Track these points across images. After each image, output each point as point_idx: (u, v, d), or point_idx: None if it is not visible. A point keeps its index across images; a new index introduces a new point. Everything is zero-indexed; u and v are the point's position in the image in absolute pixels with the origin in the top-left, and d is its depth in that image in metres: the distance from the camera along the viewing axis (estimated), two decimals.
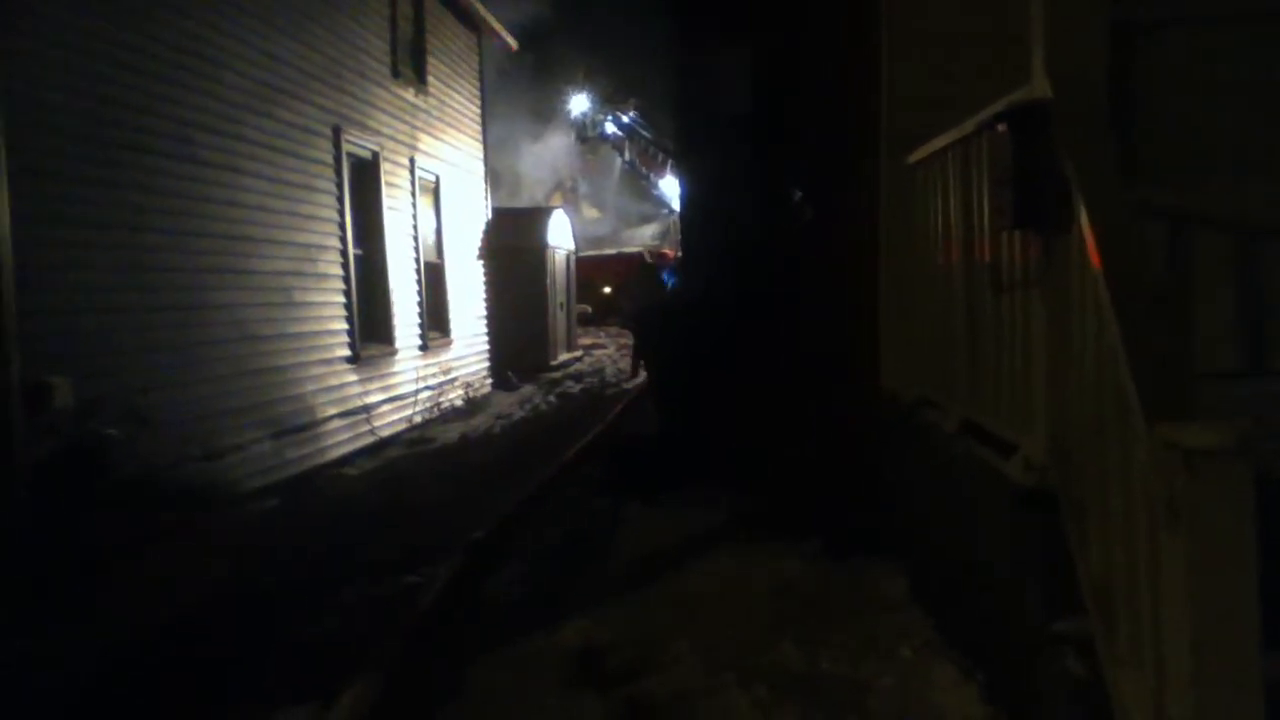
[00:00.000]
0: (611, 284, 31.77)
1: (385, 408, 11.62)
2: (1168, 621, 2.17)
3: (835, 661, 4.29)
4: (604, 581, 5.73)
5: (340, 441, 10.37)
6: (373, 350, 11.48)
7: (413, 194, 13.17)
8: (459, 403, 13.99)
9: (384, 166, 12.09)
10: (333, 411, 10.26)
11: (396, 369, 12.16)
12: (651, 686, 4.22)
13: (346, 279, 10.77)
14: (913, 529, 4.97)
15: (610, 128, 45.89)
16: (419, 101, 13.71)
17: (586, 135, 46.80)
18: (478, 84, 16.89)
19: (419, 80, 13.82)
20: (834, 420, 6.36)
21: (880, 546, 5.30)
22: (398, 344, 12.23)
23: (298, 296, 9.63)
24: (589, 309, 28.71)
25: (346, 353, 10.75)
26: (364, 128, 11.64)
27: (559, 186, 46.10)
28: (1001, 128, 3.06)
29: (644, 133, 44.56)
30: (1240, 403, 3.43)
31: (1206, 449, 1.97)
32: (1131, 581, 2.41)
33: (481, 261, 16.62)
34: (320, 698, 4.27)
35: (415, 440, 11.58)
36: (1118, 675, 2.49)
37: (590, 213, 45.52)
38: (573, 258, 22.06)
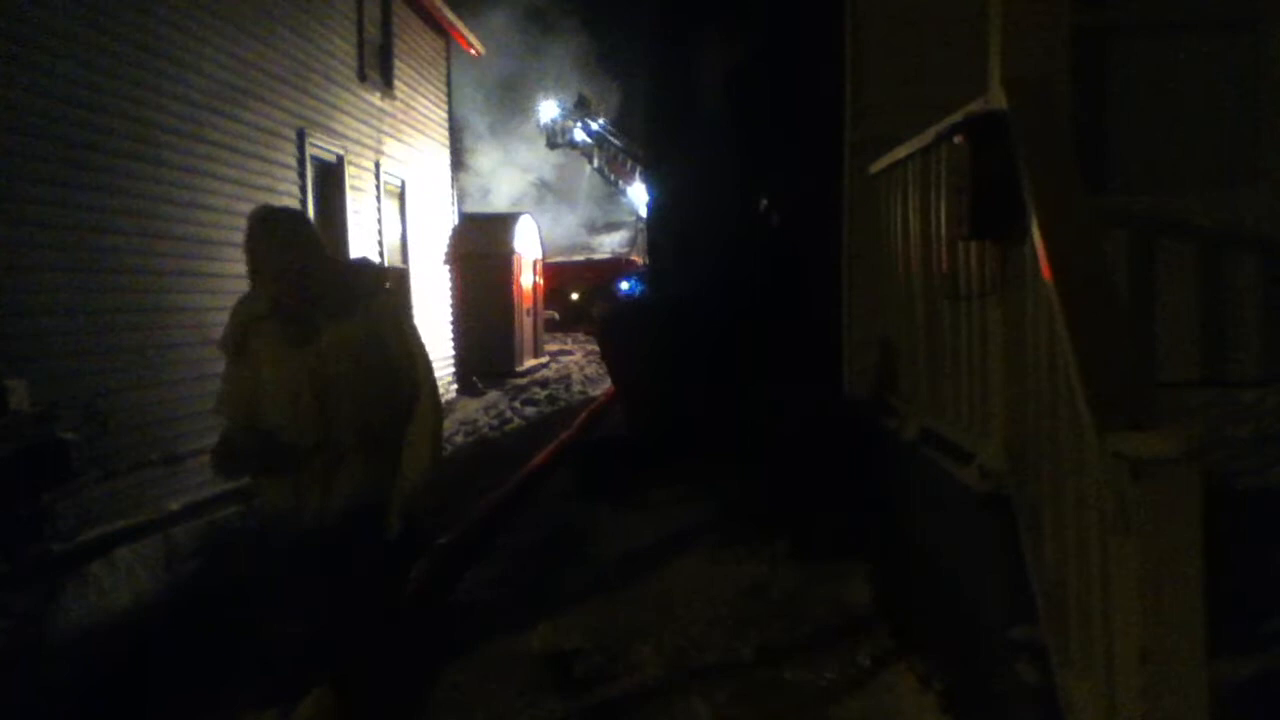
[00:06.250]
0: (579, 290, 31.79)
1: None
2: (1118, 628, 2.19)
3: (797, 668, 4.31)
4: (571, 586, 5.72)
5: None
6: None
7: (378, 198, 13.10)
8: None
9: (349, 170, 12.02)
10: None
11: None
12: (614, 692, 4.23)
13: None
14: (876, 534, 5.00)
15: (580, 134, 45.95)
16: (385, 105, 13.65)
17: (556, 142, 46.85)
18: (445, 88, 16.84)
19: (385, 84, 13.76)
20: (803, 426, 6.38)
21: (847, 550, 5.33)
22: None
23: None
24: (556, 315, 28.72)
25: None
26: (329, 131, 11.56)
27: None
28: (958, 138, 3.08)
29: (613, 140, 44.66)
30: (1197, 412, 3.48)
31: (1154, 458, 2.00)
32: (1084, 588, 2.43)
33: (448, 267, 16.56)
34: (283, 702, 4.24)
35: None
36: (1070, 682, 2.51)
37: (558, 219, 45.52)
38: (540, 264, 22.04)
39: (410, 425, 3.49)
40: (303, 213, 3.67)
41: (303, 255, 3.37)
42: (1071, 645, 2.51)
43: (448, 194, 16.90)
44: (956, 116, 3.14)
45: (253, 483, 3.74)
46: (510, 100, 46.89)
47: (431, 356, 12.55)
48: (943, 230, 3.55)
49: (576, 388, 17.50)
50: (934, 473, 3.64)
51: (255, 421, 3.46)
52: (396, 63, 14.16)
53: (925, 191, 3.75)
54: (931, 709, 3.70)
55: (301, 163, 10.69)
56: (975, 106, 3.10)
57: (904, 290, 4.20)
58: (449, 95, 17.04)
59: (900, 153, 4.01)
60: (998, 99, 3.03)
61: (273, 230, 3.38)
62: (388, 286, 3.53)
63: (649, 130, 10.43)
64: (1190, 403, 3.67)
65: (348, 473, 3.47)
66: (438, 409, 3.58)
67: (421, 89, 15.50)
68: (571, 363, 21.94)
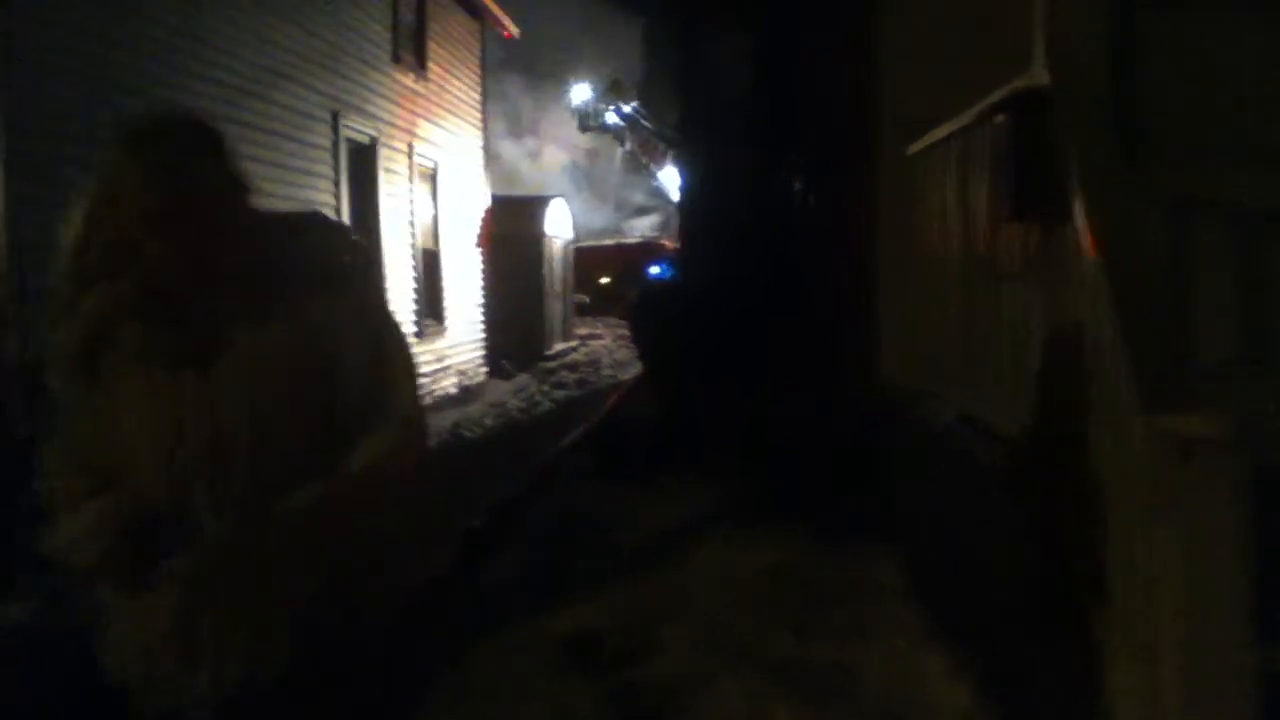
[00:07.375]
0: (610, 275, 31.75)
1: None
2: (1161, 611, 2.16)
3: (826, 649, 4.26)
4: (594, 569, 5.71)
5: None
6: None
7: (410, 180, 13.13)
8: (453, 390, 13.97)
9: (382, 152, 12.05)
10: None
11: None
12: (641, 674, 4.20)
13: None
14: (908, 516, 4.96)
15: (611, 117, 45.83)
16: (419, 87, 13.67)
17: (588, 124, 46.76)
18: (478, 70, 16.84)
19: (419, 66, 13.77)
20: (834, 407, 6.34)
21: (876, 533, 5.29)
22: None
23: None
24: (586, 299, 28.71)
25: None
26: (363, 113, 11.59)
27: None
28: (1000, 118, 3.04)
29: (645, 123, 44.53)
30: (1238, 393, 3.42)
31: (1201, 438, 1.96)
32: (1126, 571, 2.40)
33: (479, 249, 16.58)
34: None
35: None
36: (1112, 665, 2.49)
37: (590, 203, 45.47)
38: (570, 247, 22.04)
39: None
40: (206, 125, 1.79)
41: (201, 202, 1.76)
42: (1114, 628, 2.48)
43: (480, 176, 16.91)
44: (1000, 94, 3.10)
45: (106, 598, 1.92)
46: (541, 80, 46.75)
47: (462, 339, 12.28)
48: (982, 210, 3.51)
49: (606, 371, 17.51)
50: (968, 455, 3.61)
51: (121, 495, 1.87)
52: (430, 45, 14.17)
53: (965, 171, 3.72)
54: (966, 691, 3.67)
55: (335, 144, 10.73)
56: (1017, 84, 3.06)
57: (940, 271, 4.17)
58: (482, 77, 17.04)
59: (940, 132, 3.98)
60: (1040, 76, 2.99)
61: (148, 153, 1.74)
62: (353, 261, 2.10)
63: (680, 114, 10.36)
64: (1229, 384, 3.61)
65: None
66: (406, 444, 2.02)
67: (455, 71, 15.51)
68: (601, 346, 21.93)
